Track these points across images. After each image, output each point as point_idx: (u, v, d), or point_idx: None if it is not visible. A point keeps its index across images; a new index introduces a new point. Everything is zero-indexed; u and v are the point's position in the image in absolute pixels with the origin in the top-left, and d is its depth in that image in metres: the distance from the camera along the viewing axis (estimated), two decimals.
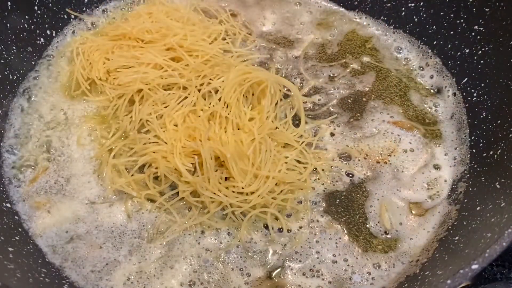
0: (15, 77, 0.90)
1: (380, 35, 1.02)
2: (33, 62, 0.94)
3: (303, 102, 0.92)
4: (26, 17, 0.90)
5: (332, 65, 0.98)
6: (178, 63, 0.88)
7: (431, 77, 0.96)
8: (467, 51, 0.90)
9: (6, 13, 0.85)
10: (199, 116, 0.83)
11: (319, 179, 0.85)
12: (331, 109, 0.92)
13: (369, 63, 0.98)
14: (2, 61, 0.87)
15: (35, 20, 0.92)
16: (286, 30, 1.02)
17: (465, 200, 0.81)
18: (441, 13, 0.93)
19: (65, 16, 0.98)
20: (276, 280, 0.76)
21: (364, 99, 0.94)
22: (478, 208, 0.76)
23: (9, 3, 0.86)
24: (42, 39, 0.95)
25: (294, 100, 0.90)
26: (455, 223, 0.79)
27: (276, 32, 1.02)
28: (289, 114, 0.89)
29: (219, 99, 0.84)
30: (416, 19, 0.98)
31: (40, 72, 0.94)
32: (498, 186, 0.75)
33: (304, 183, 0.82)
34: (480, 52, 0.87)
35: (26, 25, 0.90)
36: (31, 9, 0.91)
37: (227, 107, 0.84)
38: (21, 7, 0.88)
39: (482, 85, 0.87)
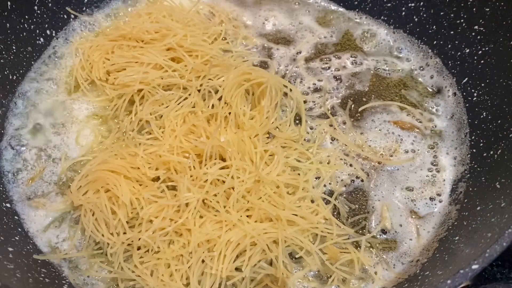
0: (14, 77, 0.90)
1: (380, 35, 1.02)
2: (33, 62, 0.94)
3: (303, 102, 0.91)
4: (26, 17, 0.90)
5: (332, 65, 0.98)
6: (178, 63, 0.88)
7: (431, 77, 0.96)
8: (467, 51, 0.90)
9: (6, 13, 0.85)
10: (199, 116, 0.83)
11: (318, 178, 0.84)
12: (331, 109, 0.92)
13: (369, 63, 0.98)
14: (2, 61, 0.87)
15: (35, 20, 0.92)
16: (286, 30, 1.02)
17: (465, 200, 0.81)
18: (441, 13, 0.93)
19: (65, 16, 0.98)
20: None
21: (364, 99, 0.94)
22: (478, 208, 0.76)
23: (9, 3, 0.85)
24: (42, 39, 0.95)
25: (294, 100, 0.90)
26: (455, 223, 0.79)
27: (276, 32, 1.02)
28: (289, 114, 0.89)
29: (219, 99, 0.84)
30: (416, 19, 0.98)
31: (40, 72, 0.94)
32: (498, 186, 0.75)
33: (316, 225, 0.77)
34: (480, 52, 0.87)
35: (26, 25, 0.90)
36: (31, 9, 0.91)
37: (227, 106, 0.84)
38: (21, 7, 0.88)
39: (482, 85, 0.87)
